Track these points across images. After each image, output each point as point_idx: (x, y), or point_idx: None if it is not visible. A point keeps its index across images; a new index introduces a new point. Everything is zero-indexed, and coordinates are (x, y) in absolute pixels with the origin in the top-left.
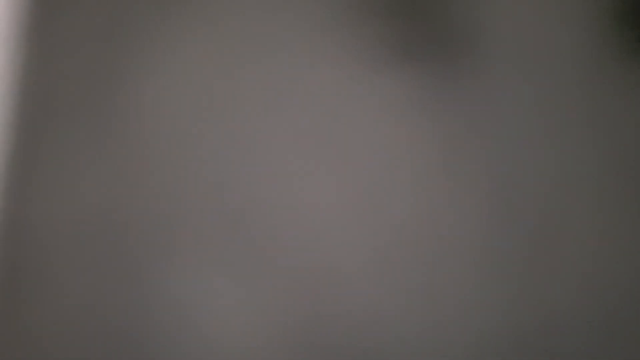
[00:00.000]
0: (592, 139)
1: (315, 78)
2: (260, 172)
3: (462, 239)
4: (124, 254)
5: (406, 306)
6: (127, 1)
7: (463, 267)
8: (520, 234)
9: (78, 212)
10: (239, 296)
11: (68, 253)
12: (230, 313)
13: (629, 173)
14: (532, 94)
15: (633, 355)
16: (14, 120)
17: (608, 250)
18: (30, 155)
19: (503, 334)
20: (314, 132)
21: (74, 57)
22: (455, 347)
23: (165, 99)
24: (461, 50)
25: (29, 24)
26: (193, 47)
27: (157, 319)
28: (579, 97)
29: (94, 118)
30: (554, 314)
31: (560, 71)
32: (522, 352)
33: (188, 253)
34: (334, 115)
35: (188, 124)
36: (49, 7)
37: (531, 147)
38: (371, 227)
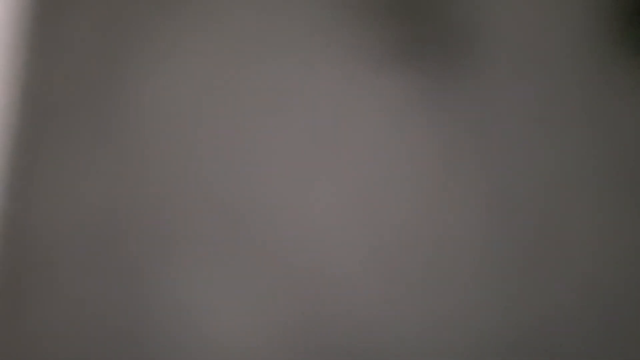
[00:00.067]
0: (592, 139)
1: (315, 78)
2: (260, 173)
3: (462, 239)
4: (125, 254)
5: (406, 306)
6: (127, 2)
7: (463, 267)
8: (519, 234)
9: (78, 212)
10: (239, 296)
11: (69, 253)
12: (230, 313)
13: (629, 173)
14: (532, 94)
15: (633, 355)
16: (15, 121)
17: (608, 250)
18: (31, 156)
19: (503, 334)
20: (313, 132)
21: (75, 58)
22: (455, 347)
23: (165, 99)
24: (461, 51)
25: (29, 24)
26: (192, 48)
27: (158, 319)
28: (579, 97)
29: (94, 118)
30: (553, 314)
31: (560, 71)
32: (522, 352)
33: (188, 253)
34: (334, 115)
35: (188, 125)
36: (50, 8)
37: (531, 147)
38: (371, 227)
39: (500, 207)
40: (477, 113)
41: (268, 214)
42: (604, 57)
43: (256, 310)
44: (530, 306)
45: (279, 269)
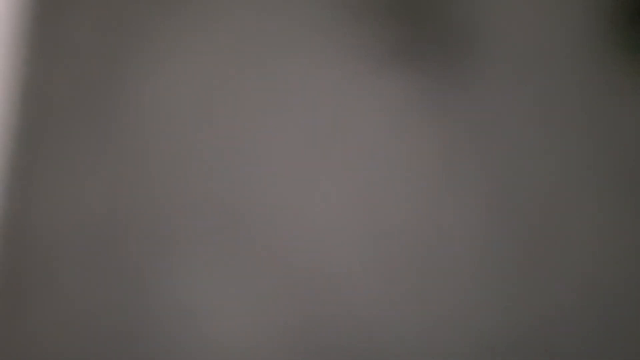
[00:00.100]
0: (592, 139)
1: (315, 78)
2: (260, 173)
3: (462, 239)
4: (125, 254)
5: (406, 306)
6: (127, 2)
7: (463, 267)
8: (520, 234)
9: (78, 212)
10: (239, 296)
11: (69, 253)
12: (230, 313)
13: (629, 173)
14: (532, 94)
15: (633, 355)
16: (15, 121)
17: (608, 250)
18: (31, 156)
19: (503, 334)
20: (314, 132)
21: (75, 58)
22: (455, 347)
23: (165, 99)
24: (461, 51)
25: (29, 24)
26: (192, 48)
27: (158, 319)
28: (579, 97)
29: (95, 118)
30: (553, 313)
31: (560, 71)
32: (522, 352)
33: (188, 253)
34: (334, 116)
35: (188, 124)
36: (50, 8)
37: (531, 147)
38: (371, 227)
39: (500, 207)
40: (477, 113)
41: (268, 214)
42: (604, 57)
43: (256, 310)
44: (530, 306)
45: (279, 269)
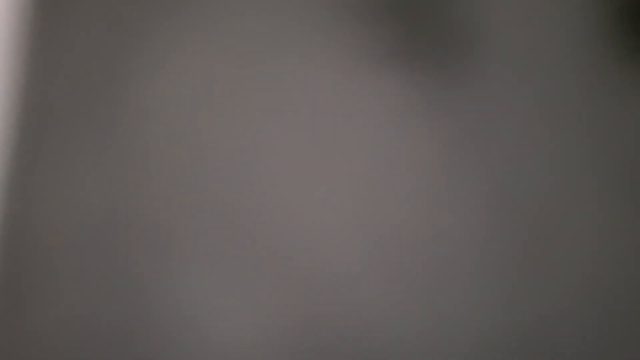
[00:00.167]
0: (592, 139)
1: (315, 78)
2: (260, 173)
3: (462, 239)
4: (125, 255)
5: (406, 306)
6: (127, 2)
7: (463, 267)
8: (519, 234)
9: (79, 212)
10: (239, 296)
11: (69, 254)
12: (230, 313)
13: (629, 173)
14: (532, 94)
15: (633, 355)
16: (15, 121)
17: (608, 250)
18: (31, 156)
19: (503, 334)
20: (314, 132)
21: (75, 58)
22: (455, 347)
23: (165, 100)
24: (461, 51)
25: (29, 24)
26: (193, 48)
27: (158, 319)
28: (579, 98)
29: (95, 118)
30: (553, 314)
31: (560, 72)
32: (522, 352)
33: (188, 254)
34: (334, 115)
35: (188, 125)
36: (50, 8)
37: (531, 147)
38: (371, 228)
39: (500, 207)
40: (477, 113)
41: (268, 214)
42: (604, 57)
43: (256, 310)
44: (530, 306)
45: (279, 269)
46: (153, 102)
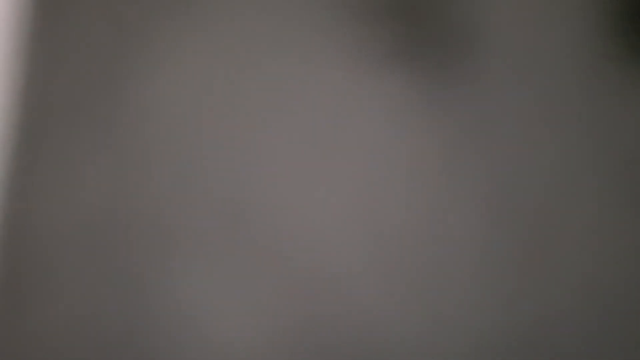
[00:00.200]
0: (592, 139)
1: (315, 79)
2: (260, 173)
3: (462, 239)
4: (125, 255)
5: (406, 307)
6: (127, 2)
7: (462, 267)
8: (519, 234)
9: (79, 212)
10: (239, 296)
11: (69, 254)
12: (230, 313)
13: (629, 173)
14: (532, 94)
15: (633, 355)
16: (15, 121)
17: (608, 250)
18: (31, 156)
19: (503, 334)
20: (314, 132)
21: (75, 58)
22: (455, 347)
23: (165, 99)
24: (461, 51)
25: (29, 25)
26: (193, 48)
27: (158, 319)
28: (579, 98)
29: (95, 118)
30: (553, 314)
31: (560, 72)
32: (522, 352)
33: (188, 254)
34: (334, 116)
35: (188, 125)
36: (50, 8)
37: (531, 147)
38: (371, 228)
39: (500, 207)
40: (477, 113)
41: (268, 214)
42: (604, 57)
43: (256, 310)
44: (530, 306)
45: (279, 268)
46: (153, 102)
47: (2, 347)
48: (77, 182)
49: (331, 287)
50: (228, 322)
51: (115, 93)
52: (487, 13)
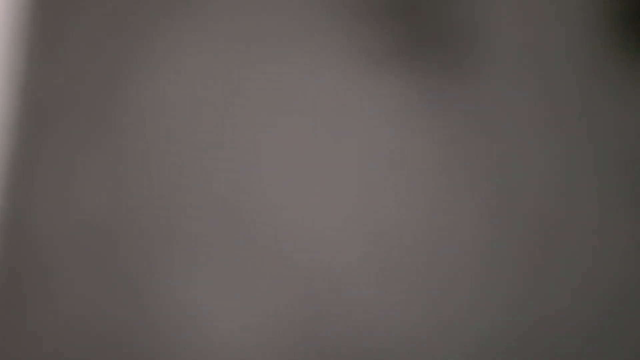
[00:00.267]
0: (592, 139)
1: (315, 79)
2: (260, 173)
3: (462, 239)
4: (125, 255)
5: (406, 306)
6: (127, 4)
7: (462, 267)
8: (519, 234)
9: (79, 213)
10: (239, 296)
11: (69, 255)
12: (231, 313)
13: (629, 173)
14: (532, 94)
15: (633, 356)
16: (15, 121)
17: (608, 250)
18: (31, 157)
19: (503, 334)
20: (314, 132)
21: (75, 58)
22: (455, 347)
23: (165, 99)
24: (461, 51)
25: (30, 26)
26: (193, 48)
27: (158, 319)
28: (579, 98)
29: (95, 119)
30: (553, 314)
31: (559, 73)
32: (522, 352)
33: (188, 254)
34: (334, 116)
35: (188, 125)
36: (50, 8)
37: (531, 148)
38: (370, 228)
39: (500, 207)
40: (477, 113)
41: (268, 214)
42: (603, 57)
43: (256, 310)
44: (530, 306)
45: (279, 269)
46: (153, 101)
47: (2, 347)
48: (77, 182)
49: (331, 286)
50: (228, 322)
51: (115, 93)
52: (487, 13)
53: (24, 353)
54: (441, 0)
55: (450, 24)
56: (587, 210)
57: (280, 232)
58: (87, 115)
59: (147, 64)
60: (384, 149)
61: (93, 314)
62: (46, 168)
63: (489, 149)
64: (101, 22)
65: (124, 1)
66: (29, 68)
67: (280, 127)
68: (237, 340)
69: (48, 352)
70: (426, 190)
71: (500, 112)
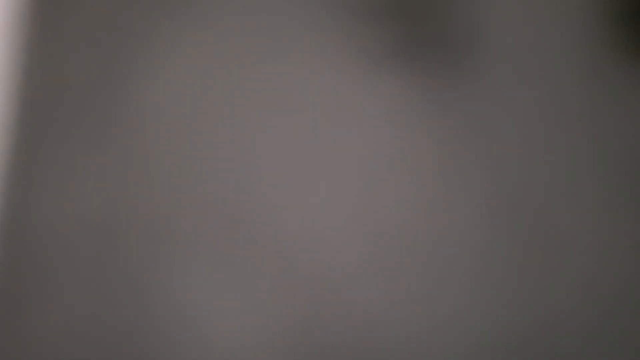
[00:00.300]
0: (592, 140)
1: (315, 79)
2: (260, 173)
3: (461, 240)
4: (125, 255)
5: (406, 306)
6: (127, 4)
7: (463, 267)
8: (519, 234)
9: (79, 213)
10: (239, 296)
11: (69, 255)
12: (231, 313)
13: (629, 173)
14: (532, 96)
15: (633, 356)
16: (15, 122)
17: (608, 250)
18: (31, 157)
19: (503, 334)
20: (314, 132)
21: (75, 60)
22: (455, 347)
23: (165, 101)
24: (461, 52)
25: (30, 26)
26: (193, 49)
27: (158, 319)
28: (578, 98)
29: (95, 119)
30: (553, 314)
31: (559, 73)
32: (522, 352)
33: (188, 254)
34: (334, 116)
35: (188, 125)
36: (50, 8)
37: (531, 148)
38: (370, 228)
39: (500, 207)
40: (477, 113)
41: (268, 214)
42: (604, 57)
43: (256, 310)
44: (530, 306)
45: (279, 269)
46: (153, 102)
47: (2, 347)
48: (77, 182)
49: (331, 287)
50: (228, 322)
51: (115, 93)
52: (487, 13)
53: (24, 353)
54: (441, 0)
55: (450, 24)
56: (587, 210)
57: (280, 232)
58: (87, 115)
59: (147, 64)
60: (384, 148)
61: (93, 314)
62: (46, 168)
63: (489, 148)
64: (101, 22)
65: (124, 1)
66: (29, 68)
67: (281, 127)
68: (237, 340)
69: (48, 352)
70: (426, 190)
71: (500, 112)
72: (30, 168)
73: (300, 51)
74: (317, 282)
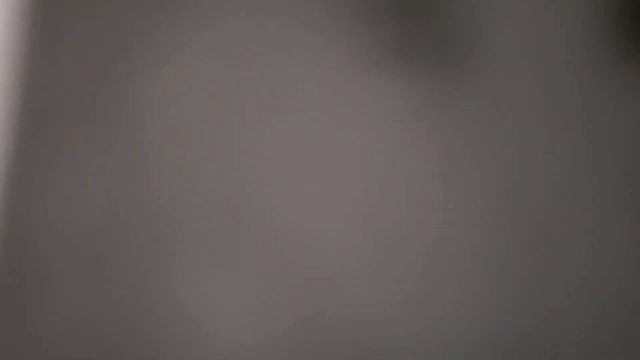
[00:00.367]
0: (592, 140)
1: (315, 79)
2: (260, 173)
3: (462, 240)
4: (125, 255)
5: (406, 306)
6: (127, 4)
7: (462, 268)
8: (520, 235)
9: (79, 213)
10: (239, 297)
11: (69, 255)
12: (231, 313)
13: (629, 173)
14: (532, 96)
15: (633, 356)
16: (15, 122)
17: (608, 250)
18: (32, 158)
19: (503, 335)
20: (314, 132)
21: (75, 61)
22: (455, 347)
23: (165, 101)
24: (460, 53)
25: (30, 25)
26: (193, 49)
27: (158, 319)
28: (578, 98)
29: (95, 120)
30: (553, 314)
31: (560, 74)
32: (521, 352)
33: (189, 254)
34: (335, 116)
35: (188, 126)
36: (50, 8)
37: (531, 148)
38: (371, 228)
39: (500, 207)
40: (477, 113)
41: (268, 214)
42: (603, 57)
43: (256, 310)
44: (530, 306)
45: (279, 269)
46: (153, 102)
47: (2, 347)
48: (77, 182)
49: (331, 287)
50: (228, 322)
51: (115, 93)
52: (487, 13)
53: (24, 353)
54: (441, 0)
55: (450, 24)
56: (587, 210)
57: (280, 232)
58: (87, 116)
59: (147, 64)
60: (384, 148)
61: (93, 314)
62: (46, 168)
63: (489, 148)
64: (101, 22)
65: (124, 1)
66: (29, 68)
67: (280, 127)
68: (237, 340)
69: (48, 353)
70: (426, 190)
71: (501, 112)
72: (31, 168)
73: (300, 51)
74: (317, 282)
